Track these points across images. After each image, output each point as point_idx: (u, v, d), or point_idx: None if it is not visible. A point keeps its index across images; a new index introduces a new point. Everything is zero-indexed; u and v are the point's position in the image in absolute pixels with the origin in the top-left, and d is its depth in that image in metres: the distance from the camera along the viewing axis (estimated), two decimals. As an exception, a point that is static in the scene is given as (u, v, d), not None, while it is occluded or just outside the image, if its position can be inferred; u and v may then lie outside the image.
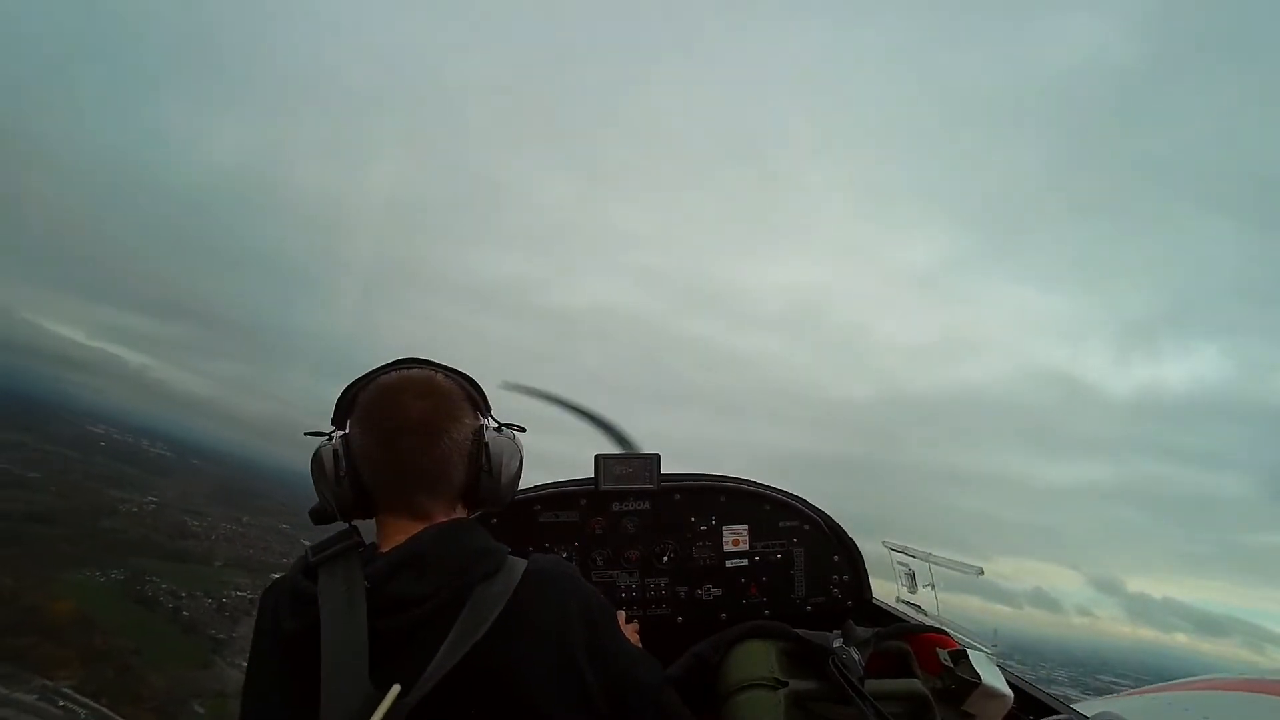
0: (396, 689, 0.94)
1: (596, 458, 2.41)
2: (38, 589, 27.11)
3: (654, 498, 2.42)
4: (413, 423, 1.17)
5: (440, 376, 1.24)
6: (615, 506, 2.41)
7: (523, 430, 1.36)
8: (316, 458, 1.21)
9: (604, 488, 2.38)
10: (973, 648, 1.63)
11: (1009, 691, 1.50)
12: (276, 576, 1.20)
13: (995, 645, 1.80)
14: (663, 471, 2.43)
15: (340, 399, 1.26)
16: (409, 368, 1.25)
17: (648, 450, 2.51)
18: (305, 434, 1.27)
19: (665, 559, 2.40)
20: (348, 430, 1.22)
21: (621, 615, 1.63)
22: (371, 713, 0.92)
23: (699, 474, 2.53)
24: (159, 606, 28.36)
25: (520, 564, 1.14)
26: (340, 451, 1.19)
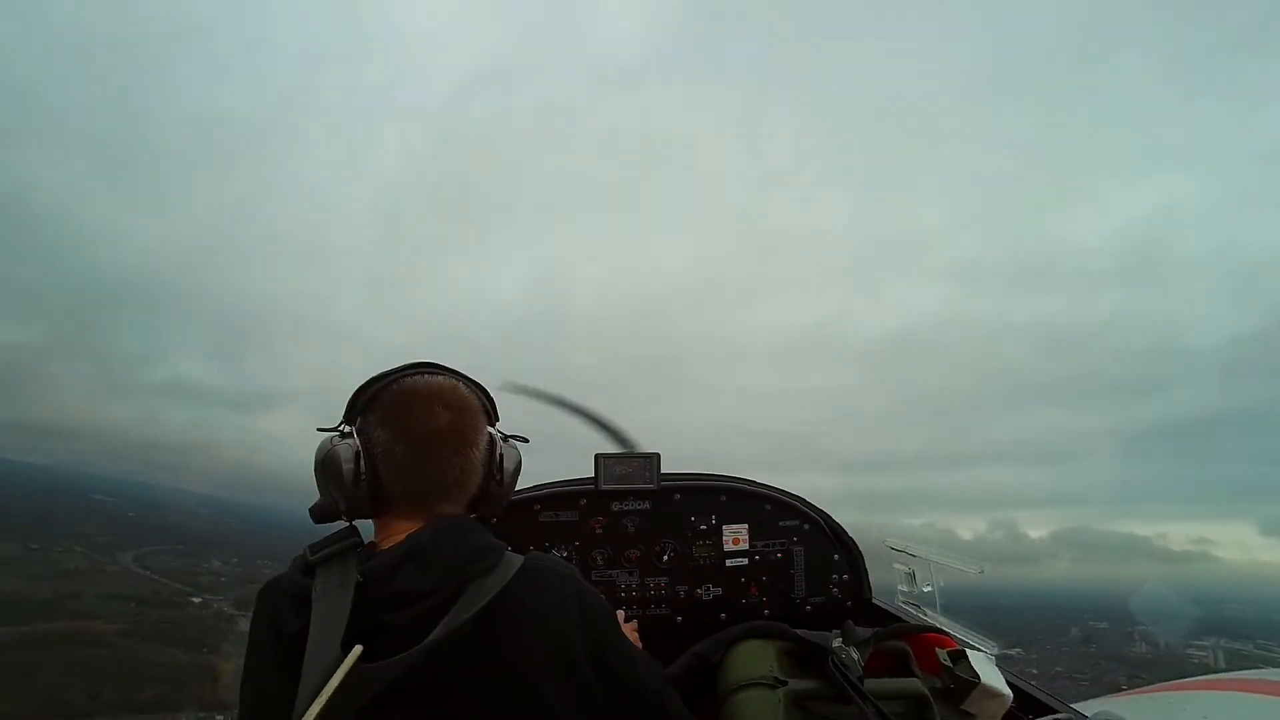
0: (358, 650, 0.95)
1: (596, 457, 2.41)
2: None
3: (654, 497, 2.42)
4: (444, 433, 1.18)
5: (463, 387, 1.26)
6: (615, 506, 2.41)
7: (526, 441, 1.39)
8: (332, 455, 1.17)
9: (604, 487, 2.38)
10: (972, 647, 1.63)
11: (1008, 691, 1.50)
12: (273, 575, 1.19)
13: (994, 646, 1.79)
14: (663, 471, 2.43)
15: (356, 396, 1.23)
16: (430, 373, 1.25)
17: (646, 449, 2.50)
18: (319, 429, 1.23)
19: (665, 558, 2.40)
20: (365, 430, 1.19)
21: (621, 614, 1.63)
22: (334, 674, 0.93)
23: (699, 473, 2.53)
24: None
25: (517, 560, 1.14)
26: (361, 451, 1.17)
